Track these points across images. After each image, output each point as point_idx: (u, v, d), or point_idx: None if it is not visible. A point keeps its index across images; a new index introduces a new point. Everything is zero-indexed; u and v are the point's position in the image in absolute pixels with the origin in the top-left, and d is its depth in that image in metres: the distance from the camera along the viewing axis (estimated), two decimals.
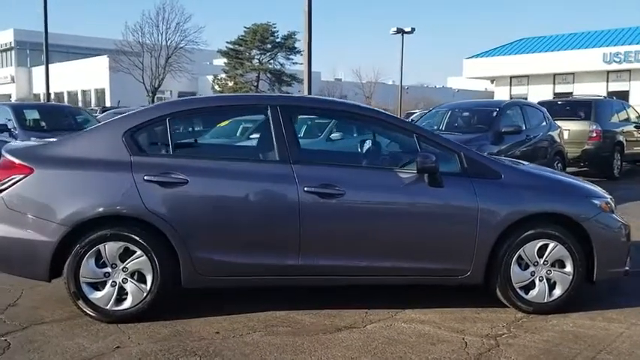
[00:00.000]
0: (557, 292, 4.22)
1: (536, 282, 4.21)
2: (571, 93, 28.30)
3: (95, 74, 51.27)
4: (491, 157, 4.47)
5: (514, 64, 31.08)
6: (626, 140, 13.87)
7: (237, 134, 5.49)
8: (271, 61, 47.66)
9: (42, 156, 3.99)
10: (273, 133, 4.08)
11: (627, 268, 4.37)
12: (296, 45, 47.08)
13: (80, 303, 3.90)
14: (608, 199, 4.39)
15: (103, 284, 3.92)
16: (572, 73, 29.62)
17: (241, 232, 3.99)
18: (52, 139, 4.34)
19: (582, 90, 26.21)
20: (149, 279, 3.92)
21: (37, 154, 4.02)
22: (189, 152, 4.45)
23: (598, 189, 4.53)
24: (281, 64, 47.74)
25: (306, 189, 3.95)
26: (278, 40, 47.23)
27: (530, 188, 4.22)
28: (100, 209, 3.84)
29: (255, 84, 46.84)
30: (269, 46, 47.33)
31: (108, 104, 42.15)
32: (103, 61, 48.91)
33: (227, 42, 48.25)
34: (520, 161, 5.11)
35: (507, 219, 4.08)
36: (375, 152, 4.59)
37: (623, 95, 25.19)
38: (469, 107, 10.60)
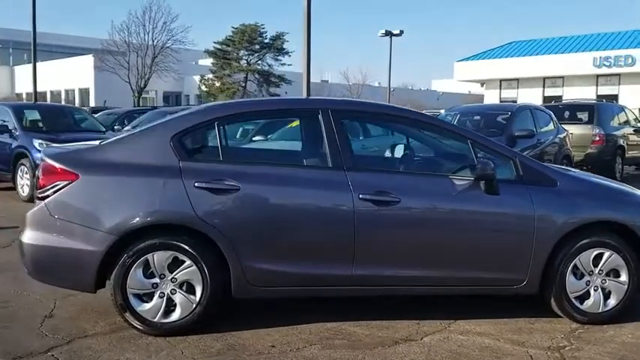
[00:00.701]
0: (612, 302, 4.14)
1: (591, 292, 4.12)
2: (561, 97, 28.52)
3: (79, 74, 50.46)
4: (545, 164, 4.37)
5: (504, 67, 31.25)
6: (627, 144, 13.98)
7: (267, 137, 5.35)
8: (259, 61, 47.39)
9: (87, 161, 3.80)
10: (325, 138, 3.94)
11: None
12: (284, 46, 46.99)
13: (127, 315, 3.73)
14: None
15: (151, 295, 3.75)
16: (562, 77, 29.86)
17: (294, 241, 3.85)
18: (93, 143, 4.16)
19: (572, 94, 26.42)
20: (198, 290, 3.76)
21: (82, 159, 3.84)
22: (240, 157, 4.29)
23: None
24: (269, 65, 47.50)
25: (361, 196, 3.82)
26: (266, 40, 46.98)
27: (586, 196, 4.14)
28: (150, 217, 3.67)
29: (243, 85, 46.56)
30: (257, 46, 47.05)
31: (92, 104, 41.56)
32: (88, 60, 48.19)
33: (214, 42, 47.93)
34: (567, 167, 5.03)
35: (564, 227, 3.99)
36: (427, 158, 4.48)
37: (613, 99, 25.40)
38: (480, 111, 10.59)
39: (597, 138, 12.88)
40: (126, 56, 41.16)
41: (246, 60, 47.52)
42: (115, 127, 14.22)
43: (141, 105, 38.77)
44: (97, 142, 4.19)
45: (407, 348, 3.68)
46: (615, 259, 4.10)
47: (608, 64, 27.97)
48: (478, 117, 10.26)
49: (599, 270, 4.11)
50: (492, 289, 4.11)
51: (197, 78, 49.46)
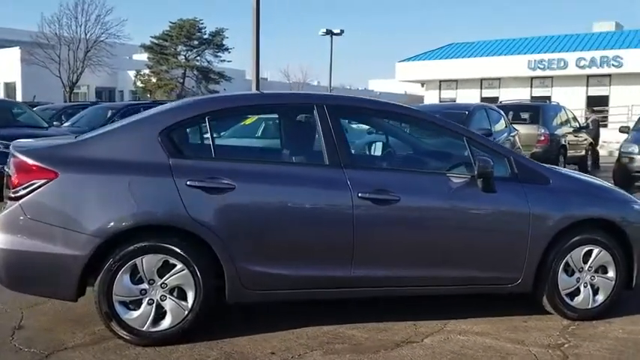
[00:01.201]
0: (600, 297, 4.19)
1: (581, 288, 4.16)
2: (497, 98, 29.41)
3: (4, 67, 47.77)
4: (537, 162, 4.38)
5: (443, 69, 31.94)
6: (568, 143, 14.52)
7: (259, 134, 5.13)
8: (198, 57, 46.36)
9: (67, 158, 3.47)
10: (321, 134, 3.78)
11: None
12: (224, 42, 46.18)
13: (113, 324, 3.44)
14: None
15: (139, 303, 3.48)
16: (499, 79, 30.85)
17: (292, 241, 3.67)
18: (68, 137, 3.82)
19: (508, 95, 27.32)
20: (190, 295, 3.52)
21: (61, 155, 3.50)
22: (233, 154, 4.07)
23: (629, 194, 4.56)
24: (208, 62, 46.55)
25: (360, 195, 3.68)
26: (205, 36, 45.99)
27: (578, 193, 4.17)
28: (139, 218, 3.40)
29: (181, 81, 45.44)
30: (196, 42, 45.98)
31: (19, 99, 39.41)
32: (14, 52, 45.69)
33: (151, 36, 46.51)
34: (554, 166, 5.07)
35: (558, 225, 4.00)
36: (424, 155, 4.39)
37: (546, 100, 26.43)
38: (437, 110, 10.64)
39: (543, 138, 13.29)
40: (57, 50, 39.31)
41: (185, 56, 46.36)
42: (54, 123, 13.46)
43: (72, 100, 37.17)
44: (72, 137, 3.85)
45: (410, 351, 3.58)
46: (604, 255, 4.15)
47: (542, 66, 29.12)
48: (437, 115, 10.31)
49: (589, 267, 4.15)
50: (487, 288, 4.08)
51: (132, 73, 47.83)
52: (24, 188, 3.36)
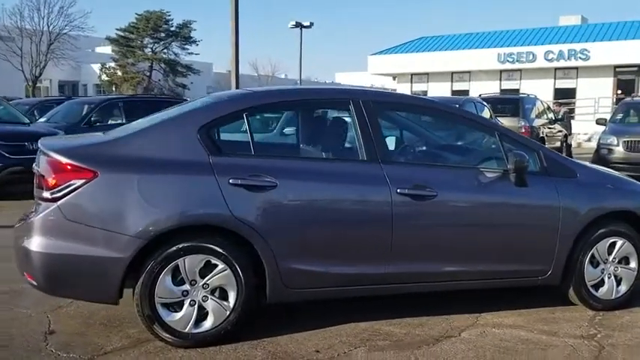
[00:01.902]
0: (623, 288, 4.30)
1: (605, 279, 4.26)
2: (468, 91, 29.87)
3: None
4: (565, 156, 4.45)
5: (415, 62, 32.15)
6: (546, 135, 14.83)
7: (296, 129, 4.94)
8: (165, 50, 45.60)
9: (106, 157, 3.35)
10: (359, 130, 3.75)
11: None
12: (192, 35, 45.53)
13: (156, 327, 3.36)
14: None
15: (181, 304, 3.40)
16: (469, 72, 31.24)
17: (333, 239, 3.64)
18: (99, 135, 3.69)
19: (478, 88, 27.72)
20: (232, 295, 3.46)
21: (100, 154, 3.38)
22: (272, 151, 4.00)
23: None
24: (176, 54, 45.84)
25: (399, 191, 3.68)
26: (172, 28, 45.26)
27: (603, 186, 4.26)
28: (182, 218, 3.32)
29: (148, 74, 44.64)
30: (163, 34, 45.22)
31: None
32: None
33: (117, 29, 45.51)
34: (579, 160, 5.16)
35: (586, 217, 4.08)
36: (458, 151, 4.40)
37: (514, 93, 26.92)
38: None
39: (523, 130, 13.52)
40: (18, 42, 38.09)
41: (151, 48, 45.57)
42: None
43: (34, 95, 36.13)
44: (101, 134, 3.72)
45: (451, 345, 3.60)
46: (627, 247, 4.25)
47: (511, 59, 29.60)
48: None
49: (613, 258, 4.24)
50: (518, 281, 4.13)
51: (96, 66, 46.74)
52: (62, 189, 3.24)
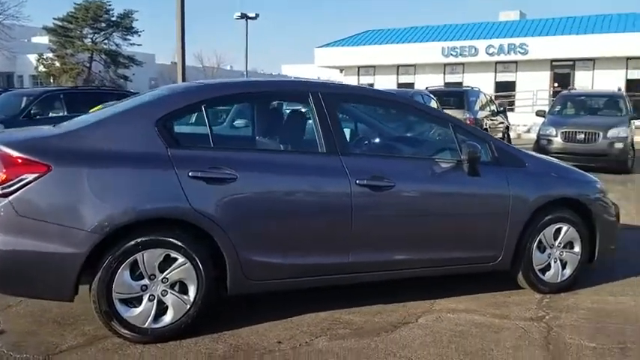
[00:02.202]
0: (568, 271, 4.51)
1: (552, 264, 4.46)
2: (413, 84, 30.38)
3: None
4: (514, 147, 4.61)
5: (361, 55, 32.40)
6: (489, 127, 15.28)
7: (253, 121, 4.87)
8: (106, 41, 44.23)
9: (60, 150, 3.25)
10: (318, 122, 3.78)
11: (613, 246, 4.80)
12: (133, 25, 44.33)
13: (114, 323, 3.29)
14: (601, 183, 4.78)
15: (139, 299, 3.35)
16: (414, 65, 31.73)
17: (294, 230, 3.66)
18: (48, 127, 3.57)
19: (423, 81, 28.24)
20: (192, 289, 3.44)
21: (52, 147, 3.27)
22: (230, 143, 3.96)
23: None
24: (117, 45, 44.53)
25: (358, 182, 3.73)
26: (113, 18, 43.92)
27: (550, 175, 4.45)
28: (139, 212, 3.26)
29: (88, 65, 43.21)
30: (103, 24, 43.80)
31: None
32: None
33: (54, 18, 43.78)
34: (527, 150, 5.34)
35: (534, 205, 4.25)
36: (413, 142, 4.48)
37: (458, 86, 27.58)
38: None
39: (468, 122, 13.88)
40: None
41: (91, 39, 44.09)
42: None
43: None
44: (52, 127, 3.60)
45: (409, 331, 3.69)
46: (572, 232, 4.46)
47: (454, 53, 30.25)
48: None
49: (559, 243, 4.45)
50: (471, 267, 4.27)
51: (33, 57, 44.90)
52: (13, 184, 3.12)
